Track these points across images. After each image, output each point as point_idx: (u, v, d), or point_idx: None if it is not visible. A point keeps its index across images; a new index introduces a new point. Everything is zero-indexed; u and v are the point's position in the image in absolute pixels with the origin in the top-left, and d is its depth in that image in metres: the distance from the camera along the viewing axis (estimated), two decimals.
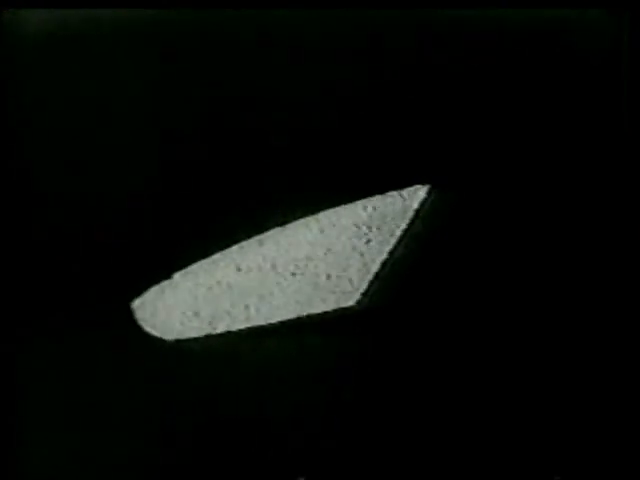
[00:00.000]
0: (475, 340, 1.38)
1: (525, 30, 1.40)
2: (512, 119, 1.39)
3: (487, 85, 1.39)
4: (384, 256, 1.38)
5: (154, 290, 1.38)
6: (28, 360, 1.37)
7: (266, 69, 1.38)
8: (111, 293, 1.37)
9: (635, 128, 1.39)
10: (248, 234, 1.38)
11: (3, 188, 1.38)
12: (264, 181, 1.38)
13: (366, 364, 1.38)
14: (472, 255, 1.39)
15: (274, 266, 1.38)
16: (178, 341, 1.38)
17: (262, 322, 1.38)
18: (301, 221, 1.38)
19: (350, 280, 1.38)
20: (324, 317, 1.38)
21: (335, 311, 1.38)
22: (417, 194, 1.38)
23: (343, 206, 1.38)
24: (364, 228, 1.38)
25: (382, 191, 1.38)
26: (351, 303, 1.38)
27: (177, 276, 1.38)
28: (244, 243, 1.38)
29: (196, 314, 1.38)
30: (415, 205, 1.38)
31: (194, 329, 1.38)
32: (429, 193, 1.38)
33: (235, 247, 1.38)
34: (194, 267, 1.38)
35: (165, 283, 1.38)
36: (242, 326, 1.38)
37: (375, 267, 1.38)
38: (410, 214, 1.38)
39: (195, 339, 1.38)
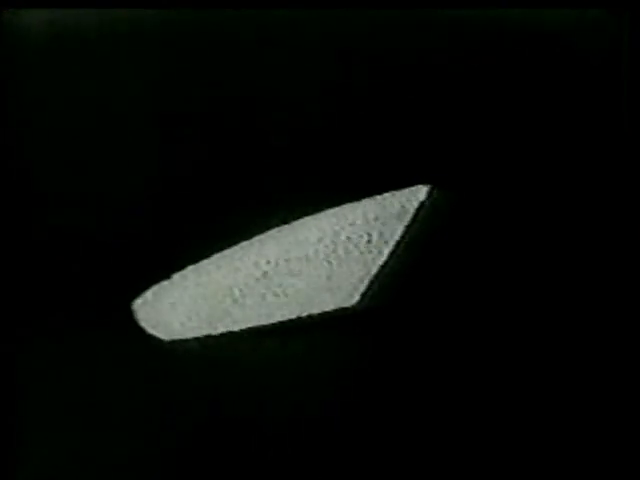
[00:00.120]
0: (475, 340, 1.38)
1: (525, 30, 1.40)
2: (512, 119, 1.39)
3: (487, 85, 1.39)
4: (384, 256, 1.38)
5: (154, 290, 1.38)
6: (28, 360, 1.38)
7: (266, 69, 1.38)
8: (111, 293, 1.37)
9: (635, 128, 1.39)
10: (248, 234, 1.38)
11: (3, 188, 1.38)
12: (264, 181, 1.38)
13: (366, 364, 1.39)
14: (472, 255, 1.39)
15: (274, 266, 1.38)
16: (178, 341, 1.38)
17: (262, 322, 1.38)
18: (301, 221, 1.38)
19: (350, 280, 1.38)
20: (324, 317, 1.38)
21: (335, 311, 1.38)
22: (417, 194, 1.38)
23: (343, 206, 1.38)
24: (364, 228, 1.38)
25: (382, 191, 1.38)
26: (351, 303, 1.38)
27: (177, 276, 1.38)
28: (244, 243, 1.38)
29: (196, 314, 1.38)
30: (415, 205, 1.38)
31: (194, 329, 1.38)
32: (429, 193, 1.38)
33: (235, 247, 1.38)
34: (194, 267, 1.38)
35: (165, 283, 1.38)
36: (242, 326, 1.38)
37: (375, 267, 1.38)
38: (410, 214, 1.38)
39: (195, 339, 1.38)
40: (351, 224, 1.38)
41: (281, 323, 1.38)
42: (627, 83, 1.39)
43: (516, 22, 1.40)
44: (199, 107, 1.38)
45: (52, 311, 1.37)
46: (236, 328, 1.38)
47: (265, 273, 1.38)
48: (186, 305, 1.38)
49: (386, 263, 1.38)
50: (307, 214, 1.38)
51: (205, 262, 1.38)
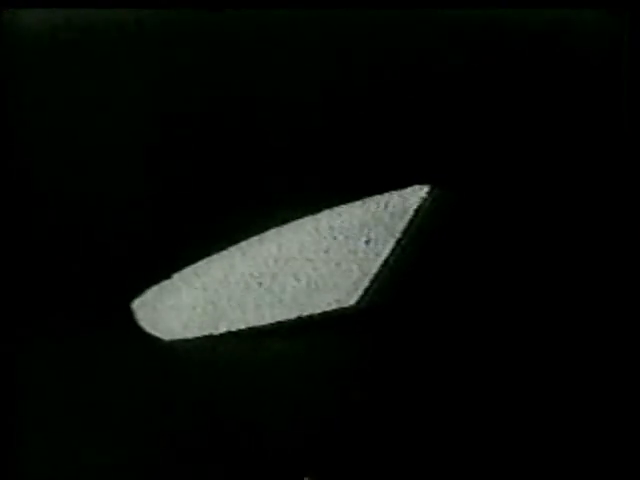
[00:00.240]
0: (475, 339, 1.38)
1: (525, 30, 1.40)
2: (512, 119, 1.39)
3: (487, 85, 1.39)
4: (384, 256, 1.38)
5: (154, 290, 1.38)
6: (28, 360, 1.38)
7: (266, 69, 1.39)
8: (111, 293, 1.37)
9: (635, 128, 1.39)
10: (248, 234, 1.38)
11: (3, 188, 1.38)
12: (264, 181, 1.38)
13: (366, 364, 1.39)
14: (472, 255, 1.39)
15: (274, 266, 1.38)
16: (178, 341, 1.38)
17: (262, 322, 1.38)
18: (301, 221, 1.38)
19: (350, 280, 1.38)
20: (324, 317, 1.38)
21: (335, 311, 1.38)
22: (417, 194, 1.38)
23: (343, 206, 1.38)
24: (364, 228, 1.38)
25: (382, 191, 1.38)
26: (351, 303, 1.38)
27: (177, 276, 1.38)
28: (244, 243, 1.38)
29: (196, 314, 1.38)
30: (415, 205, 1.38)
31: (194, 329, 1.38)
32: (429, 193, 1.38)
33: (235, 247, 1.38)
34: (194, 267, 1.38)
35: (165, 283, 1.38)
36: (242, 326, 1.38)
37: (375, 267, 1.38)
38: (410, 214, 1.38)
39: (195, 339, 1.38)
40: (351, 224, 1.38)
41: (281, 323, 1.38)
42: (627, 83, 1.39)
43: (516, 22, 1.40)
44: (199, 107, 1.38)
45: (52, 311, 1.37)
46: (236, 328, 1.38)
47: (265, 273, 1.38)
48: (186, 305, 1.38)
49: (386, 263, 1.38)
50: (307, 214, 1.38)
51: (205, 262, 1.38)
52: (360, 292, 1.38)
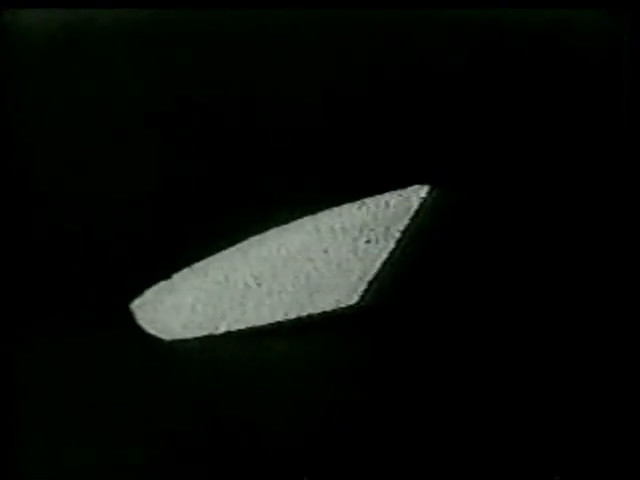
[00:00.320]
0: (475, 340, 1.38)
1: (525, 30, 1.40)
2: (512, 119, 1.39)
3: (487, 85, 1.39)
4: (384, 256, 1.38)
5: (154, 290, 1.38)
6: (28, 360, 1.38)
7: (266, 69, 1.38)
8: (111, 293, 1.37)
9: (635, 128, 1.39)
10: (248, 234, 1.38)
11: (3, 188, 1.38)
12: (264, 181, 1.38)
13: (366, 364, 1.39)
14: (472, 255, 1.39)
15: (274, 266, 1.38)
16: (178, 341, 1.38)
17: (262, 322, 1.38)
18: (301, 221, 1.38)
19: (350, 280, 1.38)
20: (324, 317, 1.38)
21: (335, 311, 1.38)
22: (417, 194, 1.38)
23: (343, 206, 1.38)
24: (364, 228, 1.38)
25: (382, 191, 1.38)
26: (351, 303, 1.38)
27: (177, 276, 1.38)
28: (244, 243, 1.38)
29: (196, 314, 1.38)
30: (415, 205, 1.38)
31: (194, 329, 1.38)
32: (429, 193, 1.38)
33: (235, 247, 1.38)
34: (194, 267, 1.38)
35: (165, 283, 1.38)
36: (242, 326, 1.38)
37: (375, 267, 1.38)
38: (410, 214, 1.38)
39: (195, 339, 1.38)
40: (351, 224, 1.38)
41: (281, 323, 1.38)
42: (627, 83, 1.39)
43: (516, 22, 1.40)
44: (199, 107, 1.38)
45: (52, 311, 1.37)
46: (236, 328, 1.38)
47: (265, 273, 1.38)
48: (186, 305, 1.38)
49: (386, 263, 1.38)
50: (307, 214, 1.38)
51: (205, 262, 1.38)
52: (360, 292, 1.38)
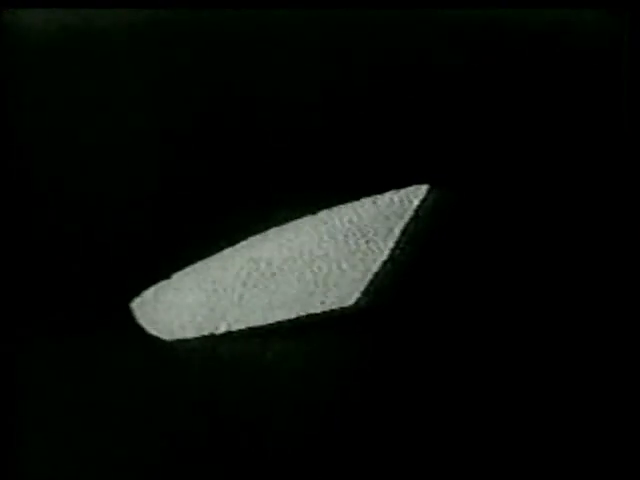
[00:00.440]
0: (475, 340, 1.38)
1: (525, 30, 1.40)
2: (512, 119, 1.39)
3: (487, 85, 1.39)
4: (384, 256, 1.38)
5: (154, 290, 1.38)
6: (28, 360, 1.38)
7: (266, 69, 1.39)
8: (111, 293, 1.37)
9: (635, 128, 1.39)
10: (248, 234, 1.38)
11: (3, 188, 1.38)
12: (264, 181, 1.38)
13: (366, 364, 1.38)
14: (472, 255, 1.39)
15: (274, 266, 1.38)
16: (178, 341, 1.38)
17: (262, 322, 1.38)
18: (300, 221, 1.38)
19: (350, 280, 1.38)
20: (324, 317, 1.38)
21: (335, 311, 1.38)
22: (417, 194, 1.38)
23: (343, 206, 1.38)
24: (364, 228, 1.38)
25: (382, 191, 1.38)
26: (351, 303, 1.38)
27: (177, 276, 1.38)
28: (243, 243, 1.38)
29: (196, 314, 1.38)
30: (415, 205, 1.38)
31: (194, 329, 1.38)
32: (429, 193, 1.38)
33: (235, 247, 1.38)
34: (194, 267, 1.38)
35: (165, 283, 1.38)
36: (242, 326, 1.38)
37: (375, 267, 1.38)
38: (410, 214, 1.38)
39: (195, 339, 1.38)
40: (351, 224, 1.38)
41: (281, 323, 1.38)
42: (627, 83, 1.39)
43: (516, 22, 1.40)
44: (199, 107, 1.39)
45: (52, 311, 1.37)
46: (236, 328, 1.38)
47: (265, 273, 1.38)
48: (186, 305, 1.38)
49: (386, 262, 1.38)
50: (307, 214, 1.38)
51: (205, 262, 1.38)
52: (360, 292, 1.38)
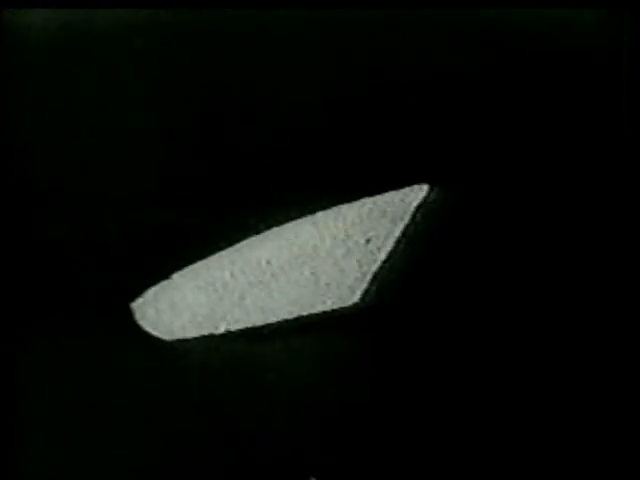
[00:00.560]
0: (475, 339, 1.38)
1: (525, 30, 1.40)
2: (512, 118, 1.39)
3: (487, 84, 1.39)
4: (384, 255, 1.38)
5: (154, 290, 1.38)
6: (28, 360, 1.38)
7: (266, 69, 1.39)
8: (111, 293, 1.37)
9: (635, 128, 1.39)
10: (247, 234, 1.38)
11: (3, 188, 1.38)
12: (263, 181, 1.38)
13: (367, 363, 1.38)
14: (472, 254, 1.39)
15: (274, 266, 1.38)
16: (178, 341, 1.38)
17: (262, 322, 1.38)
18: (300, 221, 1.38)
19: (350, 279, 1.38)
20: (324, 317, 1.38)
21: (335, 311, 1.38)
22: (417, 193, 1.38)
23: (343, 206, 1.38)
24: (364, 228, 1.38)
25: (382, 191, 1.38)
26: (351, 303, 1.38)
27: (177, 276, 1.38)
28: (244, 243, 1.38)
29: (196, 314, 1.38)
30: (415, 204, 1.38)
31: (194, 329, 1.38)
32: (429, 192, 1.38)
33: (235, 247, 1.38)
34: (194, 267, 1.38)
35: (165, 283, 1.38)
36: (242, 326, 1.38)
37: (375, 266, 1.38)
38: (410, 213, 1.38)
39: (195, 339, 1.38)
40: (350, 224, 1.38)
41: (281, 323, 1.38)
42: (627, 83, 1.39)
43: (516, 22, 1.40)
44: (199, 107, 1.38)
45: (52, 311, 1.37)
46: (236, 328, 1.38)
47: (265, 273, 1.38)
48: (186, 305, 1.38)
49: (386, 262, 1.38)
50: (307, 214, 1.38)
51: (205, 262, 1.38)
52: (360, 292, 1.38)
